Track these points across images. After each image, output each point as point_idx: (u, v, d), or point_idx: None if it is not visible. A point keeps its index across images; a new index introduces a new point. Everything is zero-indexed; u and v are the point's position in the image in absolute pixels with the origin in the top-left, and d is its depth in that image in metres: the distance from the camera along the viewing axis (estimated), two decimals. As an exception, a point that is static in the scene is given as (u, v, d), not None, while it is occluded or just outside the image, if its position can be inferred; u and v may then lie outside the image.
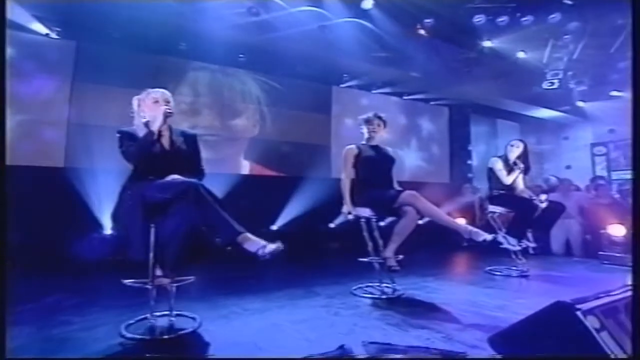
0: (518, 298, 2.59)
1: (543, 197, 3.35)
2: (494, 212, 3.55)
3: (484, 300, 2.51)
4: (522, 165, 3.42)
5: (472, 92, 6.82)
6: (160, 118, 1.92)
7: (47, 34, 4.04)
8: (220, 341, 1.82)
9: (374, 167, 2.81)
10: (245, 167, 5.41)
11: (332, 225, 5.77)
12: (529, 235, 3.42)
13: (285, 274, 3.54)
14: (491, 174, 3.57)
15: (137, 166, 1.95)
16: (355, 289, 2.78)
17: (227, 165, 5.24)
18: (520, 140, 3.61)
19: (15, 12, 3.81)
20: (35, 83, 3.92)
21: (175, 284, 1.91)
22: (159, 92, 2.06)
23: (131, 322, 1.96)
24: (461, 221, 6.05)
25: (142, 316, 1.95)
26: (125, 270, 1.94)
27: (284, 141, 5.66)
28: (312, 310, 2.33)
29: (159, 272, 1.85)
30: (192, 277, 2.05)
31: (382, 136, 2.94)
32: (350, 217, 2.74)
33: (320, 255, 4.54)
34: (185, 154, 2.06)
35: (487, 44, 5.96)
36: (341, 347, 1.48)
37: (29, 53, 3.92)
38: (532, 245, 3.40)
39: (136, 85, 4.35)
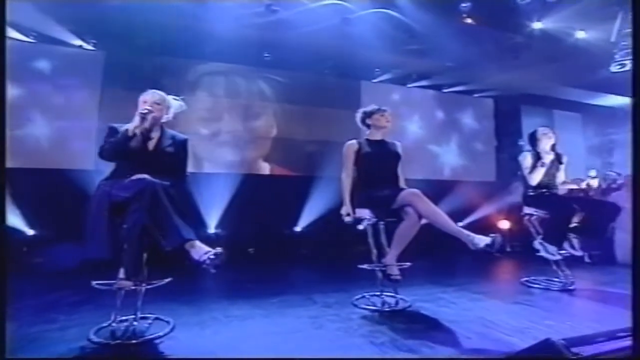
0: (548, 319, 2.14)
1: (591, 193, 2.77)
2: (531, 215, 3.06)
3: (503, 320, 2.11)
4: (545, 161, 2.89)
5: (521, 81, 6.11)
6: (136, 119, 1.88)
7: (80, 46, 4.32)
8: (179, 349, 1.70)
9: (376, 164, 2.53)
10: (269, 168, 5.35)
11: (360, 227, 5.53)
12: (574, 241, 2.87)
13: (292, 278, 3.39)
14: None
15: (117, 164, 1.93)
16: (358, 299, 2.53)
17: (251, 166, 5.22)
18: (549, 127, 3.08)
19: (53, 28, 4.13)
20: (68, 91, 4.21)
21: (138, 287, 1.83)
22: (149, 93, 2.03)
23: (104, 325, 1.91)
24: (505, 223, 5.49)
25: (113, 320, 1.89)
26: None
27: (311, 140, 5.51)
28: (297, 321, 2.13)
29: (121, 275, 1.78)
30: (166, 280, 1.97)
31: (388, 130, 2.64)
32: (349, 219, 2.49)
33: (337, 260, 4.30)
34: (170, 156, 2.01)
35: (537, 25, 5.27)
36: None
37: (63, 64, 4.23)
38: (577, 253, 2.85)
39: (160, 89, 4.50)
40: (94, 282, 1.84)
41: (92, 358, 1.67)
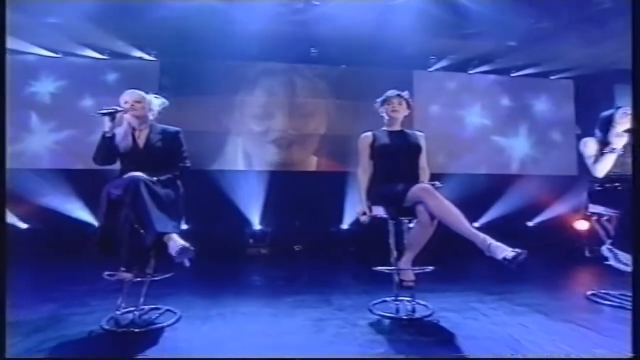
0: (601, 346, 1.71)
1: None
2: (600, 215, 2.52)
3: (538, 342, 1.74)
4: (615, 147, 2.34)
5: (612, 56, 5.12)
6: (105, 120, 1.97)
7: (140, 57, 4.79)
8: (169, 342, 1.74)
9: (391, 157, 2.28)
10: (318, 164, 5.31)
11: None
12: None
13: (321, 277, 3.29)
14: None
15: (120, 165, 2.07)
16: (375, 303, 2.34)
17: (301, 163, 5.25)
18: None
19: (117, 44, 4.64)
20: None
21: (139, 279, 1.91)
22: (128, 93, 2.09)
23: (117, 313, 2.04)
24: (583, 225, 4.66)
25: (117, 308, 2.01)
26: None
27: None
28: (300, 324, 2.03)
29: (123, 267, 1.88)
30: (168, 274, 2.04)
31: (399, 119, 2.38)
32: (364, 218, 2.30)
33: (376, 259, 4.08)
34: (161, 151, 2.07)
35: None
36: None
37: (125, 75, 4.73)
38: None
39: (210, 91, 4.77)
40: (105, 273, 1.97)
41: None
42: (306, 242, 4.76)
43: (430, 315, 2.14)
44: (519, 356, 1.52)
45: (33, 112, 4.67)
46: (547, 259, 3.98)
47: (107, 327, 1.91)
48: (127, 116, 2.04)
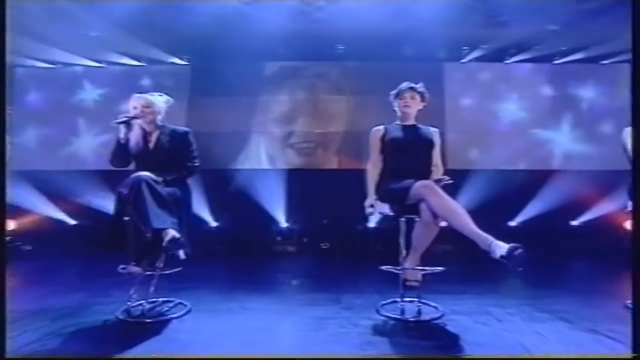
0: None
1: None
2: (641, 214, 2.24)
3: (550, 353, 1.60)
4: None
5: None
6: (120, 128, 2.10)
7: (172, 62, 5.04)
8: (171, 335, 1.81)
9: (402, 151, 2.19)
10: (345, 162, 5.26)
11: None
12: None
13: (335, 276, 3.25)
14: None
15: (135, 165, 2.19)
16: (384, 304, 2.27)
17: (327, 161, 5.24)
18: None
19: (152, 52, 4.93)
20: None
21: (148, 273, 2.02)
22: (135, 99, 2.18)
23: (131, 304, 2.15)
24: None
25: (128, 300, 2.13)
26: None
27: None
28: (302, 322, 2.02)
29: (132, 262, 1.98)
30: (177, 269, 2.13)
31: (412, 114, 2.28)
32: (371, 210, 2.24)
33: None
34: (169, 151, 2.16)
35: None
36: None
37: (160, 79, 5.00)
38: None
39: (236, 92, 4.89)
40: (120, 267, 2.10)
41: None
42: (332, 240, 4.74)
43: (439, 317, 2.04)
44: (519, 356, 1.45)
45: (81, 118, 5.10)
46: (588, 261, 3.63)
47: (121, 317, 2.03)
48: (138, 120, 2.15)
